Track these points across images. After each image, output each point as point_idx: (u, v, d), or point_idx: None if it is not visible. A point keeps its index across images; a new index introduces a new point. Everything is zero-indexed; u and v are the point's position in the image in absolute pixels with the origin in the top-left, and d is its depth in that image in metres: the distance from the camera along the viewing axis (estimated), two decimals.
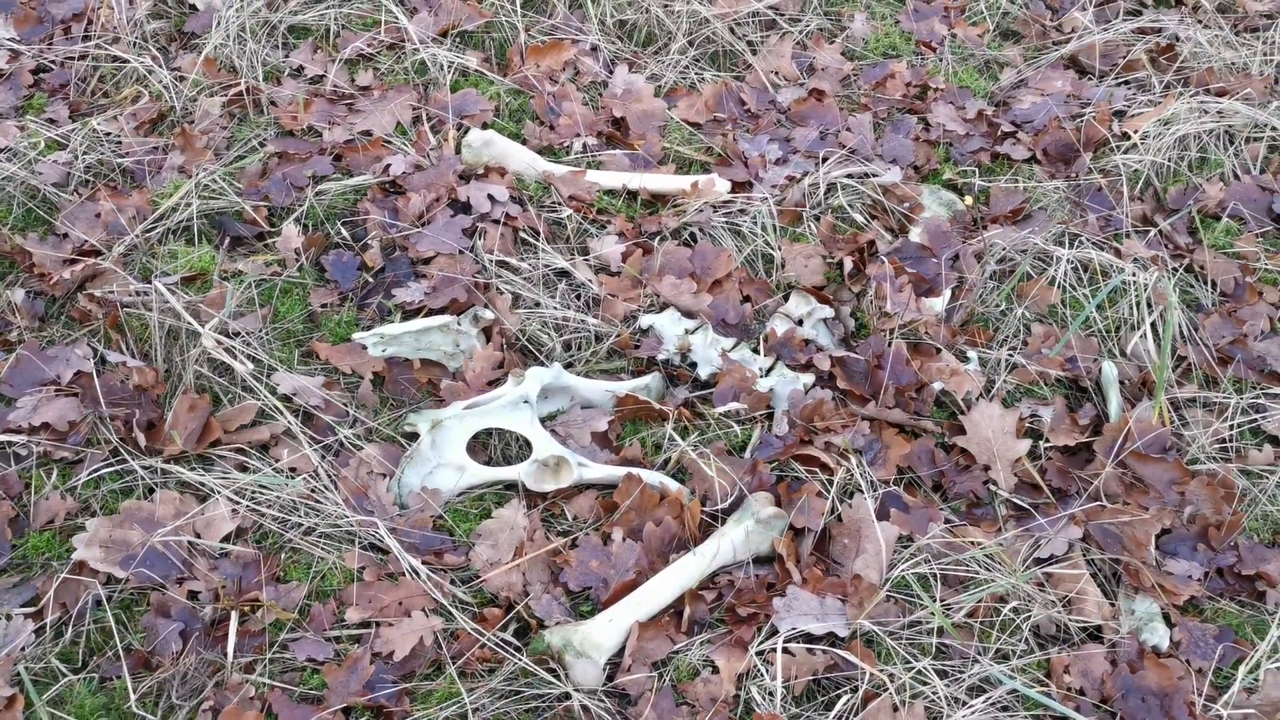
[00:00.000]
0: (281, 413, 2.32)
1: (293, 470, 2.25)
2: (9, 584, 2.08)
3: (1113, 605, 2.16)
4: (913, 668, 2.00)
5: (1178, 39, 3.41)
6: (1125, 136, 3.06)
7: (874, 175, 2.92)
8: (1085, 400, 2.53)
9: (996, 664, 2.03)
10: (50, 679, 1.96)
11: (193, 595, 2.08)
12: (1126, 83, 3.32)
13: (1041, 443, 2.41)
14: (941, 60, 3.39)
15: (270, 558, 2.14)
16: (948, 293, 2.68)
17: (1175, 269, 2.76)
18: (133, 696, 1.93)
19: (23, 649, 1.97)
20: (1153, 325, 2.59)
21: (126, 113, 2.99)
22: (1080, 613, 2.12)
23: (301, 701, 1.96)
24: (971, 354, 2.57)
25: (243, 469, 2.25)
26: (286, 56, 3.21)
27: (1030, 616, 2.09)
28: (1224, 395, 2.49)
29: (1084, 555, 2.21)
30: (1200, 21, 3.49)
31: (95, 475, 2.23)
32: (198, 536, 2.13)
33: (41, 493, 2.21)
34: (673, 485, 2.27)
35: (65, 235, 2.66)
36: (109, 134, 2.93)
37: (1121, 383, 2.52)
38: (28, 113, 3.04)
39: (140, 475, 2.22)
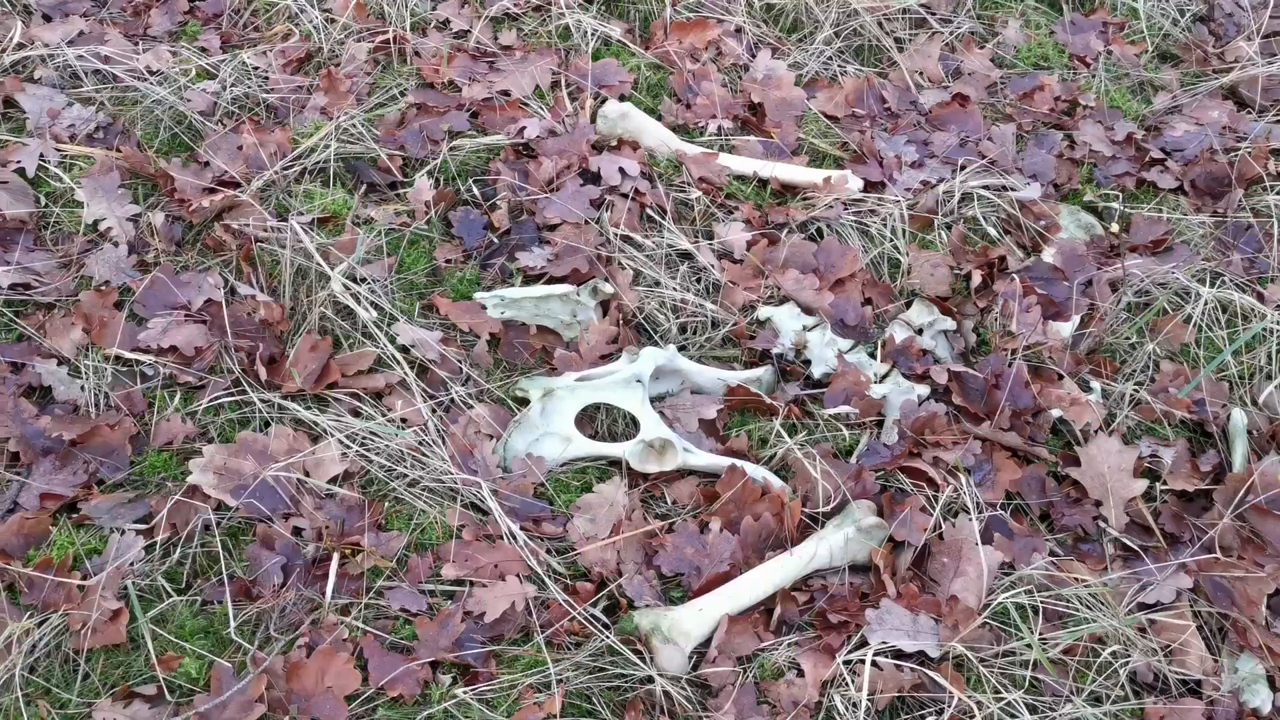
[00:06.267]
0: (399, 363, 2.35)
1: (404, 421, 2.28)
2: (124, 499, 2.15)
3: (1216, 661, 2.09)
4: (1002, 699, 1.96)
5: None
6: None
7: (1011, 189, 2.85)
8: (1209, 446, 2.44)
9: (1089, 706, 1.98)
10: (155, 597, 2.02)
11: (297, 531, 2.12)
12: None
13: (1158, 484, 2.34)
14: (1094, 77, 3.28)
15: (374, 504, 2.17)
16: (1077, 319, 2.60)
17: None
18: (233, 623, 1.98)
19: (131, 564, 2.04)
20: None
21: (276, 49, 3.04)
22: (1181, 664, 2.06)
23: (392, 650, 2.00)
24: (1095, 384, 2.49)
25: (356, 414, 2.29)
26: (434, 8, 3.23)
27: (1129, 662, 2.04)
28: None
29: (1191, 606, 2.15)
30: None
31: (216, 403, 2.29)
32: (307, 475, 2.18)
33: (163, 414, 2.27)
34: (775, 482, 2.25)
35: (207, 164, 2.72)
36: (257, 68, 2.99)
37: (1250, 433, 2.43)
38: (181, 39, 3.11)
39: (258, 408, 2.27)
